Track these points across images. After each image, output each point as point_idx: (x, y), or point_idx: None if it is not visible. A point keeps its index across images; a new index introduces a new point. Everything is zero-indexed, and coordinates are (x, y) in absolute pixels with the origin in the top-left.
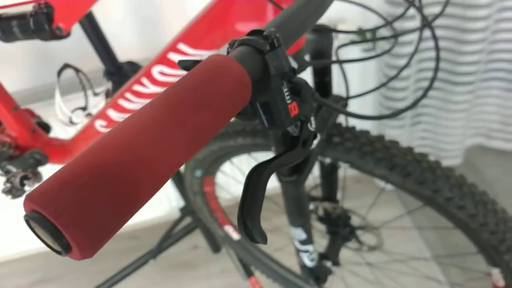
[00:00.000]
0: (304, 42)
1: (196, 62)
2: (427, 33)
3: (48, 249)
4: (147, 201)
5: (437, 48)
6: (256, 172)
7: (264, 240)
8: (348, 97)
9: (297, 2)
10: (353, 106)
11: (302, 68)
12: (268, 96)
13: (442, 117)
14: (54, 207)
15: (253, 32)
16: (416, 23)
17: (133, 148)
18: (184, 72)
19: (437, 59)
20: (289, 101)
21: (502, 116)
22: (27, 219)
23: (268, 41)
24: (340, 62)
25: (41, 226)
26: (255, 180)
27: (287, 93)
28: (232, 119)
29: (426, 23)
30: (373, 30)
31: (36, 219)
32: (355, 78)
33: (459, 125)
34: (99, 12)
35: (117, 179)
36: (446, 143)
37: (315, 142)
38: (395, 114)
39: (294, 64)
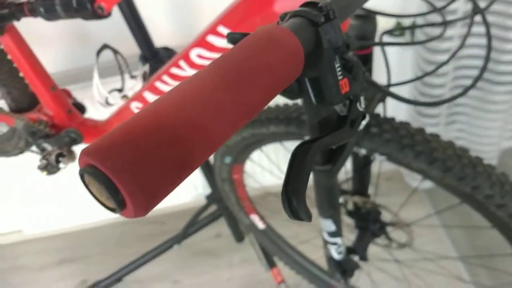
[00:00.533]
0: (348, 27)
1: (245, 34)
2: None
3: (75, 229)
4: (199, 165)
5: (488, 36)
6: (302, 150)
7: (309, 218)
8: (389, 85)
9: None
10: (388, 102)
11: (352, 48)
12: (319, 70)
13: (479, 117)
14: (111, 161)
15: (307, 4)
16: (458, 16)
17: (186, 112)
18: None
19: (489, 46)
20: (340, 77)
21: None
22: (82, 174)
23: (322, 13)
24: (385, 44)
25: (97, 180)
26: (300, 158)
27: (338, 69)
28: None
29: (478, 9)
30: (421, 15)
31: (92, 173)
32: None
33: (496, 126)
34: None
35: (172, 140)
36: (481, 144)
37: (363, 123)
38: (441, 102)
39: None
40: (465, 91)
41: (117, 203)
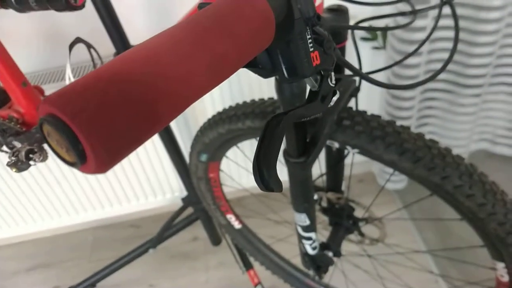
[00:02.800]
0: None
1: None
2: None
3: (47, 234)
4: (166, 123)
5: (456, 26)
6: (274, 121)
7: (279, 188)
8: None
9: None
10: (361, 99)
11: (324, 27)
12: (290, 42)
13: (449, 119)
14: (71, 107)
15: None
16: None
17: (155, 62)
18: None
19: (456, 38)
20: (311, 49)
21: (508, 122)
22: (41, 123)
23: None
24: (359, 28)
25: (55, 129)
26: (272, 129)
27: (309, 41)
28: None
29: (447, 0)
30: (391, 3)
31: (51, 121)
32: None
33: (465, 129)
34: None
35: (137, 88)
36: (451, 147)
37: (334, 99)
38: (414, 85)
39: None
40: (435, 75)
41: (77, 155)
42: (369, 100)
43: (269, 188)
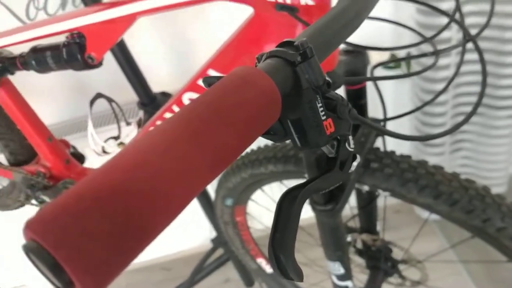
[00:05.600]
0: (337, 63)
1: (220, 77)
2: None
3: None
4: (160, 232)
5: (482, 62)
6: (288, 198)
7: (300, 277)
8: (385, 119)
9: (329, 14)
10: (390, 138)
11: (336, 85)
12: (300, 112)
13: (484, 143)
14: (53, 236)
15: (283, 44)
16: (452, 43)
17: (143, 170)
18: None
19: (484, 72)
20: (324, 118)
21: None
22: (26, 250)
23: (299, 52)
24: (375, 79)
25: (40, 259)
26: (287, 208)
27: (321, 109)
28: (263, 144)
29: (469, 37)
30: (411, 46)
31: (35, 250)
32: (389, 106)
33: (502, 151)
34: (133, 44)
35: (124, 205)
36: (489, 170)
37: (355, 164)
38: (439, 135)
39: (329, 80)
40: (464, 122)
41: (63, 284)
42: (398, 130)
43: (287, 276)
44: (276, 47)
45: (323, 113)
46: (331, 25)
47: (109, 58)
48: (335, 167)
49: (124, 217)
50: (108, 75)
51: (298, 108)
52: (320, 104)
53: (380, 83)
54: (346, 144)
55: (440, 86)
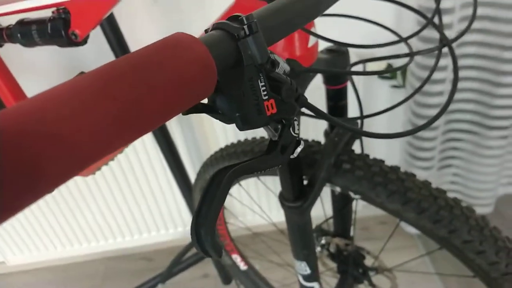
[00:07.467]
0: (317, 61)
1: None
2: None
3: (60, 262)
4: (55, 186)
5: (455, 68)
6: (219, 175)
7: (218, 253)
8: (361, 117)
9: None
10: (380, 148)
11: (296, 73)
12: (241, 88)
13: (474, 162)
14: None
15: (231, 18)
16: (447, 73)
17: (42, 117)
18: None
19: (455, 80)
20: (265, 98)
21: None
22: None
23: (243, 25)
24: (346, 73)
25: None
26: (216, 185)
27: (263, 88)
28: (243, 138)
29: (446, 42)
30: (386, 45)
31: None
32: (383, 119)
33: (491, 172)
34: (131, 37)
35: (23, 146)
36: (477, 190)
37: (298, 150)
38: (415, 130)
39: (286, 65)
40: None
41: None
42: (389, 140)
43: (205, 252)
44: (225, 20)
45: (265, 92)
46: (287, 8)
47: (108, 54)
48: (275, 150)
49: (17, 156)
50: (101, 57)
51: (240, 84)
52: (263, 83)
53: (377, 95)
54: (291, 129)
55: (433, 100)
